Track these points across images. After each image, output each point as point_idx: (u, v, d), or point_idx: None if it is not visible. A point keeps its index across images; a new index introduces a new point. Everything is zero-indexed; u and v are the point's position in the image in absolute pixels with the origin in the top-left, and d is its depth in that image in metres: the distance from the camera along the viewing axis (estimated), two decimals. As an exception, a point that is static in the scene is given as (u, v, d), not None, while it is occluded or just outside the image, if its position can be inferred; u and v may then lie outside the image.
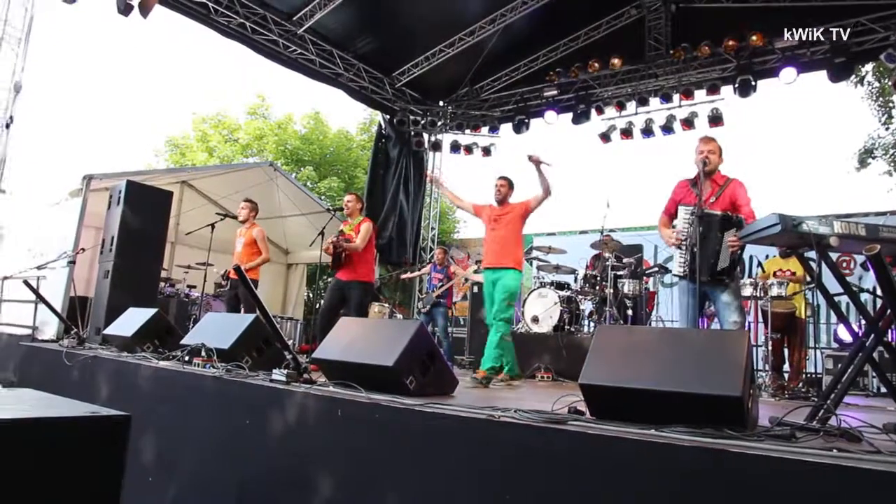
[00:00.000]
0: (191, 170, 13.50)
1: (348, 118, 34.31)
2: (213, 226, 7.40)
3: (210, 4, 8.59)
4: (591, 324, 7.43)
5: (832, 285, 2.72)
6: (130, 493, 1.91)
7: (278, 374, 3.25)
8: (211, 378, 3.56)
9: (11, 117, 7.29)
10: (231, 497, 3.13)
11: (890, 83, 8.78)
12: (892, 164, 16.24)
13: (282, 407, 3.05)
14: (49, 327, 6.84)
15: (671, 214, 4.33)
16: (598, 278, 7.19)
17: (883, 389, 6.55)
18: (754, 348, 5.80)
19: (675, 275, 4.23)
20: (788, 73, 8.39)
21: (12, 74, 7.32)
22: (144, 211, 6.87)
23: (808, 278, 6.02)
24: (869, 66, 14.21)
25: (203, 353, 3.92)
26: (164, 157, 20.58)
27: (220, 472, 3.27)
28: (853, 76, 13.75)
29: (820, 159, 39.39)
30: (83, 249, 7.22)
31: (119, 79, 45.56)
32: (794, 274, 6.28)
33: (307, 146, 19.57)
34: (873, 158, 16.37)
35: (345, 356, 3.26)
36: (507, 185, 5.50)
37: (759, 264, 6.63)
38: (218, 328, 4.28)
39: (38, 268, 7.19)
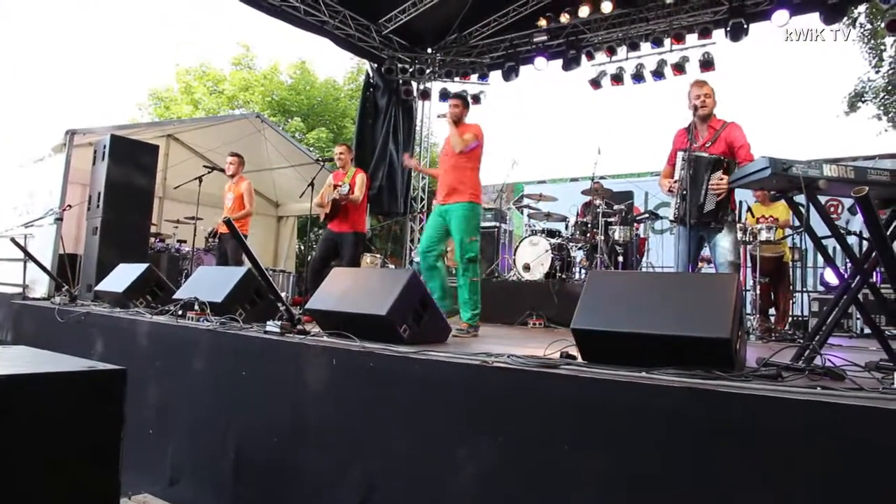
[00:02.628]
0: (176, 123, 13.26)
1: (335, 67, 33.71)
2: (200, 179, 7.32)
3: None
4: (583, 271, 7.48)
5: (819, 230, 2.75)
6: (132, 446, 1.94)
7: (272, 326, 3.28)
8: (205, 331, 3.58)
9: (-12, 71, 7.09)
10: (229, 447, 3.19)
11: (883, 25, 8.65)
12: (882, 108, 16.18)
13: (277, 358, 3.09)
14: (40, 285, 6.82)
15: (673, 164, 4.29)
16: (589, 225, 7.22)
17: (867, 331, 6.69)
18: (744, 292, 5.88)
19: (670, 221, 4.25)
20: (781, 15, 8.22)
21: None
22: (131, 166, 6.77)
23: (797, 223, 6.07)
24: (862, 8, 13.99)
25: (196, 307, 3.93)
26: (148, 110, 20.26)
27: (218, 423, 3.32)
28: (846, 17, 13.54)
29: (809, 103, 39.18)
30: (70, 206, 7.14)
31: (97, 29, 44.29)
32: (776, 220, 6.34)
33: (294, 97, 19.27)
34: (863, 102, 16.29)
35: (338, 306, 3.28)
36: (462, 104, 4.92)
37: (749, 209, 6.66)
38: (210, 282, 4.28)
39: (25, 226, 7.13)
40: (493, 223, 9.14)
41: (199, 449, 3.42)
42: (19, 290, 6.86)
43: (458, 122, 4.84)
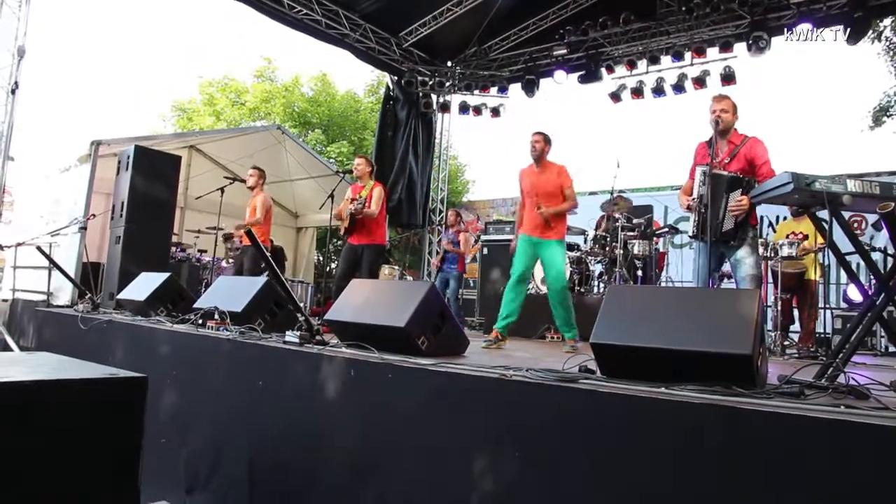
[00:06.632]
0: (198, 134, 13.47)
1: (356, 80, 33.96)
2: (222, 190, 7.41)
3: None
4: (602, 285, 7.44)
5: (843, 245, 2.71)
6: (149, 452, 1.96)
7: (291, 336, 3.29)
8: (225, 340, 3.61)
9: (17, 83, 7.26)
10: (244, 457, 3.20)
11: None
12: (908, 123, 15.94)
13: (295, 368, 3.10)
14: (63, 293, 6.93)
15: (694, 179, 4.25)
16: (609, 239, 7.18)
17: (891, 349, 6.56)
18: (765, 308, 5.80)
19: (690, 236, 4.22)
20: (804, 29, 8.16)
21: (15, 39, 7.26)
22: (153, 176, 6.88)
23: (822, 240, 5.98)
24: (888, 21, 13.83)
25: (216, 316, 3.96)
26: (171, 121, 20.55)
27: (235, 433, 3.34)
28: (871, 31, 13.40)
29: (833, 118, 38.80)
30: (94, 215, 7.26)
31: (123, 42, 45.16)
32: (805, 237, 6.23)
33: (315, 108, 19.43)
34: (888, 116, 16.05)
35: (357, 317, 3.28)
36: (543, 139, 4.95)
37: (771, 225, 6.59)
38: (230, 291, 4.32)
39: (51, 234, 7.25)
40: (511, 236, 9.12)
41: (216, 457, 3.44)
42: (44, 297, 6.97)
43: (539, 158, 4.93)
